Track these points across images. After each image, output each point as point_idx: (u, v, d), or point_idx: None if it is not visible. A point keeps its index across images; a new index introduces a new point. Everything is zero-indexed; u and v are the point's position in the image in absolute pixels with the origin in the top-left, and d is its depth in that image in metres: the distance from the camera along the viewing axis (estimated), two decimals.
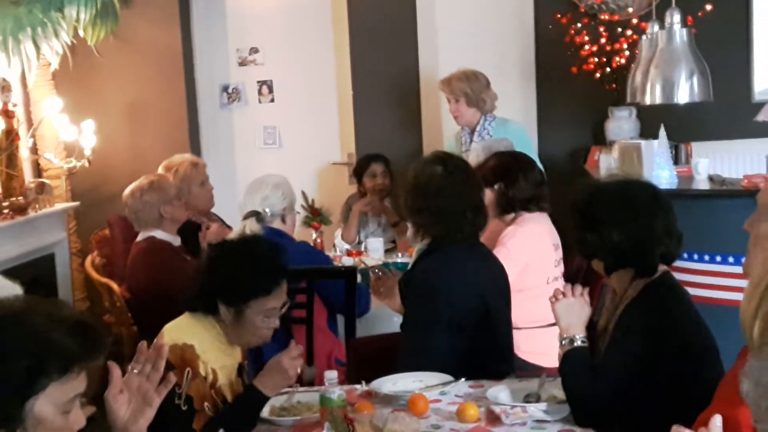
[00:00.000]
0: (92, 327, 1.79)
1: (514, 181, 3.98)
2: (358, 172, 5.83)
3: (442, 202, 3.17)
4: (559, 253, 4.12)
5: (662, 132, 4.89)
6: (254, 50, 6.78)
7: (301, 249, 4.10)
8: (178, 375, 2.65)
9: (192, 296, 2.82)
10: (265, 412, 2.79)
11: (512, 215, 4.00)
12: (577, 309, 2.71)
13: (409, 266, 3.50)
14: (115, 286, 5.12)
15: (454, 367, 3.00)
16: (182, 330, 2.76)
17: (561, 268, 4.11)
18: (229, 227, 4.74)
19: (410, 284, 3.25)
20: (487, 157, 4.28)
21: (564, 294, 2.72)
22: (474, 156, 4.49)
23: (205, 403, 2.63)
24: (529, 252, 3.93)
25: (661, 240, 2.62)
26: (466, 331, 3.15)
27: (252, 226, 3.91)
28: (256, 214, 3.95)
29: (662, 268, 2.65)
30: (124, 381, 1.93)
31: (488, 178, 3.93)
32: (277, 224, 4.01)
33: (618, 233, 2.61)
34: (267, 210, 3.99)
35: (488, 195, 3.84)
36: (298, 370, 2.71)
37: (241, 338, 2.80)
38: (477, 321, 3.17)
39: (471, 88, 5.21)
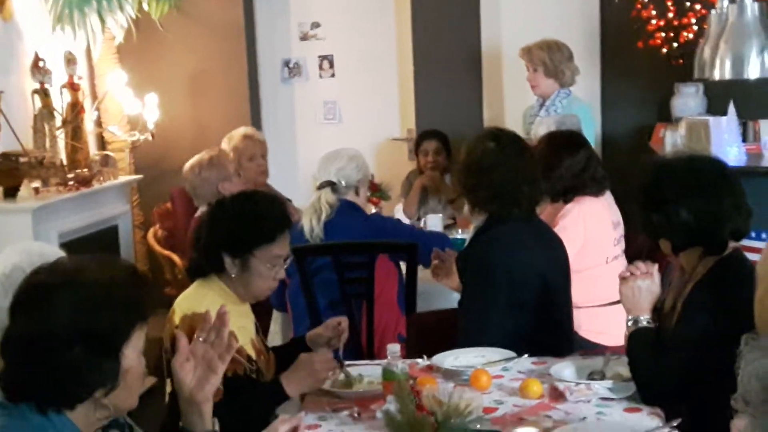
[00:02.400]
0: (144, 274, 1.93)
1: (549, 174, 3.87)
2: (416, 147, 5.82)
3: (497, 178, 3.13)
4: (620, 231, 4.05)
5: (731, 108, 4.78)
6: (315, 25, 6.77)
7: (374, 222, 4.11)
8: None
9: (198, 258, 2.87)
10: (327, 385, 2.80)
11: (560, 202, 3.94)
12: (644, 290, 2.66)
13: (466, 243, 3.47)
14: (176, 258, 5.18)
15: (514, 344, 2.97)
16: (192, 299, 2.81)
17: (621, 247, 4.05)
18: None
19: (468, 261, 3.22)
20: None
21: (632, 274, 2.68)
22: (543, 129, 4.43)
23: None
24: (585, 232, 3.87)
25: (730, 216, 2.57)
26: (526, 309, 3.11)
27: (327, 197, 3.94)
28: (331, 185, 3.97)
29: (732, 244, 2.60)
30: (189, 349, 1.95)
31: None
32: (350, 196, 4.02)
33: (686, 211, 2.55)
34: (342, 181, 4.01)
35: None
36: (330, 375, 2.68)
37: (249, 291, 2.85)
38: (537, 298, 3.14)
39: (550, 58, 5.11)
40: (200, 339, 1.97)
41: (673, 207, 2.57)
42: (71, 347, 1.70)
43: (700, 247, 2.61)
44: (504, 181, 3.13)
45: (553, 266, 3.24)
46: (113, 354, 1.74)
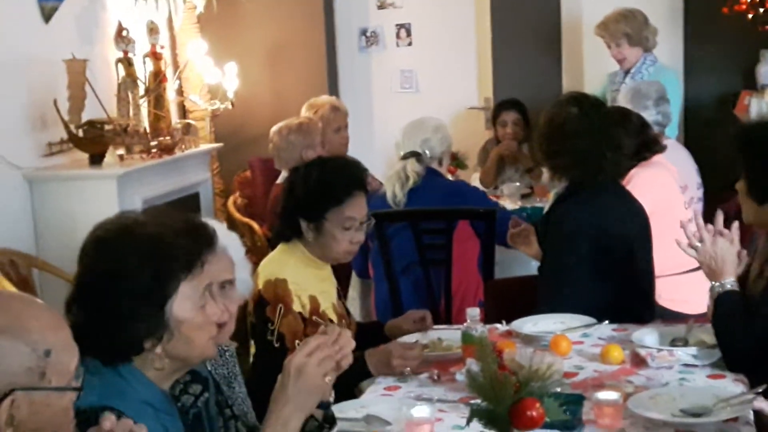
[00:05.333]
0: (200, 223, 1.88)
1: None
2: (494, 118, 5.78)
3: (580, 144, 3.09)
4: (692, 193, 3.96)
5: None
6: None
7: (457, 186, 4.13)
8: (271, 311, 2.73)
9: (279, 224, 2.95)
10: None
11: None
12: (722, 253, 2.60)
13: (545, 210, 3.44)
14: (256, 225, 5.25)
15: (595, 311, 2.95)
16: (275, 263, 2.88)
17: (697, 207, 3.95)
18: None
19: (550, 227, 3.20)
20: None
21: (701, 241, 2.62)
22: (622, 97, 4.36)
23: (296, 341, 2.68)
24: (652, 199, 3.80)
25: None
26: (609, 276, 3.09)
27: (413, 166, 3.96)
28: (416, 155, 3.99)
29: None
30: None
31: None
32: (434, 166, 4.05)
33: None
34: (427, 152, 4.03)
35: None
36: (408, 371, 2.68)
37: (327, 254, 2.90)
38: (620, 265, 3.10)
39: (631, 27, 5.02)
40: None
41: None
42: (114, 298, 1.73)
43: None
44: (587, 147, 3.09)
45: (636, 233, 3.20)
46: (158, 306, 1.76)
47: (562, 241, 3.12)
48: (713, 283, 2.62)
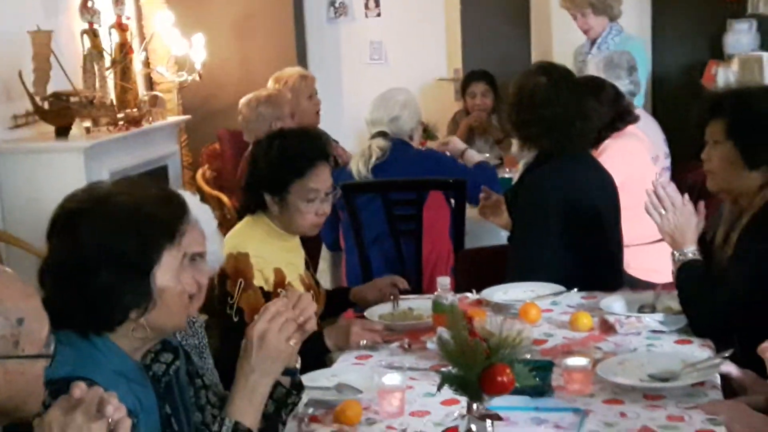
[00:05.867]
0: (174, 193, 1.89)
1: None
2: (463, 89, 5.78)
3: (549, 113, 3.09)
4: (661, 165, 3.99)
5: None
6: None
7: (426, 155, 4.11)
8: (231, 285, 2.72)
9: (244, 197, 2.96)
10: (375, 317, 2.84)
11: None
12: (683, 222, 2.64)
13: (515, 179, 3.45)
14: (225, 198, 5.24)
15: (565, 280, 2.97)
16: (238, 237, 2.87)
17: (665, 179, 3.98)
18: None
19: (520, 197, 3.21)
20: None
21: (665, 209, 2.65)
22: (593, 67, 4.36)
23: (256, 316, 2.67)
24: (624, 170, 3.82)
25: None
26: (578, 244, 3.11)
27: (378, 143, 3.94)
28: (383, 135, 3.97)
29: None
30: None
31: None
32: (405, 138, 4.04)
33: None
34: (395, 131, 4.00)
35: None
36: (363, 343, 2.68)
37: (293, 227, 2.89)
38: (589, 234, 3.12)
39: None
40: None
41: None
42: (100, 270, 1.71)
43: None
44: (556, 116, 3.10)
45: (605, 202, 3.22)
46: (143, 275, 1.75)
47: (532, 210, 3.14)
48: (675, 252, 2.66)
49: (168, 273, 1.79)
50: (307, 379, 2.21)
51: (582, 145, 3.22)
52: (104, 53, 5.39)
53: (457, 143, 4.54)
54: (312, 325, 1.97)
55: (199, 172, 5.69)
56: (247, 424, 1.88)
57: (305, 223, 2.88)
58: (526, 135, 3.19)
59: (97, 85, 5.29)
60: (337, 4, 6.77)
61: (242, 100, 4.51)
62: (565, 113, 3.11)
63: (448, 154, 4.44)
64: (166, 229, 1.79)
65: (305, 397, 2.14)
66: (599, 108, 3.70)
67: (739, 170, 2.60)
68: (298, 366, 2.07)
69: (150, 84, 6.26)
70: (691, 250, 2.63)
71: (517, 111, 3.18)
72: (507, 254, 3.28)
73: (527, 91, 3.15)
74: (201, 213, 2.28)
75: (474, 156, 4.42)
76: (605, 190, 3.27)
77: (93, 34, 5.31)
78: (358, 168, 3.93)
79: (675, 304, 2.68)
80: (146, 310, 1.76)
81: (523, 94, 3.16)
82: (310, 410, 2.22)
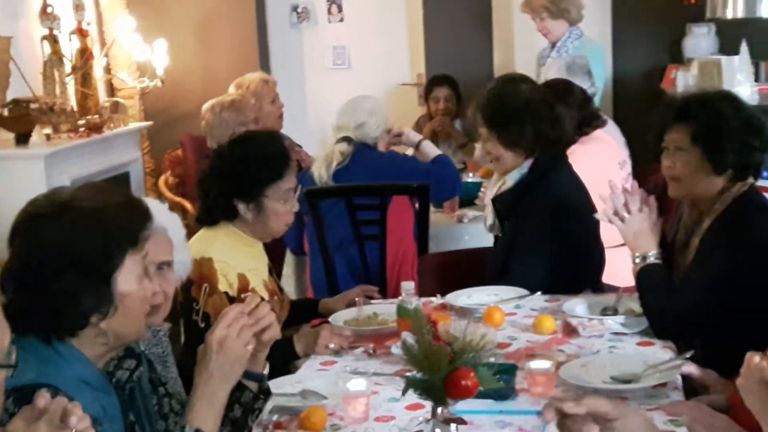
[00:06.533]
0: (137, 198, 1.90)
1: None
2: (426, 94, 5.80)
3: (542, 118, 3.07)
4: (627, 170, 4.03)
5: (744, 47, 4.74)
6: None
7: (389, 158, 4.09)
8: (196, 291, 2.71)
9: (207, 209, 2.88)
10: (340, 323, 2.83)
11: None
12: (643, 226, 2.65)
13: (507, 185, 3.28)
14: (188, 204, 5.21)
15: (553, 286, 2.96)
16: (202, 242, 2.84)
17: (629, 186, 4.01)
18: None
19: (533, 203, 3.09)
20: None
21: (628, 212, 2.66)
22: (554, 72, 4.39)
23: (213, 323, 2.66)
24: (589, 174, 3.84)
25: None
26: (567, 250, 3.04)
27: (340, 147, 3.93)
28: (347, 140, 3.96)
29: (750, 181, 2.60)
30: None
31: None
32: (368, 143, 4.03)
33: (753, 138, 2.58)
34: (360, 137, 3.98)
35: None
36: (331, 346, 2.67)
37: (268, 231, 2.88)
38: (577, 239, 3.09)
39: (550, 1, 5.07)
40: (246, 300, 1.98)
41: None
42: (61, 273, 1.70)
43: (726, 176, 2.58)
44: (545, 121, 3.08)
45: (588, 206, 3.20)
46: (105, 280, 1.74)
47: (546, 216, 3.05)
48: (635, 254, 2.67)
49: (130, 277, 1.78)
50: (271, 385, 2.20)
51: (563, 150, 3.23)
52: (64, 59, 5.35)
53: (410, 135, 4.42)
54: (272, 334, 1.97)
55: (162, 178, 5.66)
56: (207, 431, 1.87)
57: (280, 224, 2.87)
58: (521, 144, 3.08)
59: (58, 91, 5.25)
60: (299, 9, 6.76)
61: (205, 106, 4.49)
62: (547, 119, 3.09)
63: (409, 152, 4.43)
64: (129, 234, 1.79)
65: (270, 404, 2.14)
66: (568, 111, 3.73)
67: (704, 176, 2.61)
68: (266, 372, 2.06)
69: (111, 90, 6.21)
70: (653, 254, 2.64)
71: (510, 121, 3.07)
72: (487, 258, 3.27)
73: (517, 100, 3.07)
74: (169, 222, 2.26)
75: (430, 149, 4.33)
76: (585, 194, 3.26)
77: (53, 39, 5.27)
78: (320, 173, 3.92)
79: (637, 307, 2.70)
80: (107, 314, 1.75)
81: (513, 103, 3.08)
82: (275, 417, 2.21)
